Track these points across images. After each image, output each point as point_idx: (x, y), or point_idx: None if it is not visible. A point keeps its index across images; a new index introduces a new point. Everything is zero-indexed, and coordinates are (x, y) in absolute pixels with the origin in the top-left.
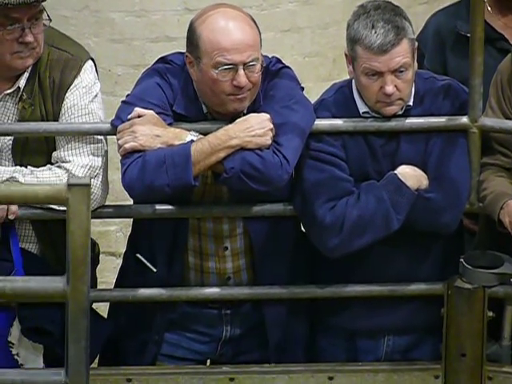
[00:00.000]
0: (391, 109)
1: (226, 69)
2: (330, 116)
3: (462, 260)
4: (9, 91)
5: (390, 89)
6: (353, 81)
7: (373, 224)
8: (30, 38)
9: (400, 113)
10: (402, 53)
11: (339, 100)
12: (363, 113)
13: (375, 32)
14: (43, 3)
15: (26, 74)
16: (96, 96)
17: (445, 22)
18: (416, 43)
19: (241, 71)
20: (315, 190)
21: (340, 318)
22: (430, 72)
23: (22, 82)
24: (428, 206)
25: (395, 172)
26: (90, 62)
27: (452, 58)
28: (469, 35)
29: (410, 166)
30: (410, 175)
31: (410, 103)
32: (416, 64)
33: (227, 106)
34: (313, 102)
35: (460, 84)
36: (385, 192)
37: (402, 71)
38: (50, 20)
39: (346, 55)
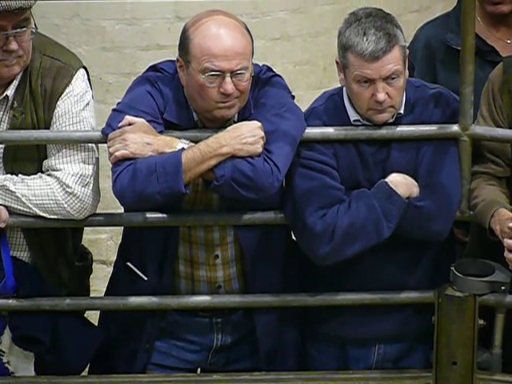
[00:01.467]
0: (382, 116)
1: (212, 75)
2: (321, 124)
3: (452, 268)
4: None
5: (381, 96)
6: (344, 89)
7: (364, 232)
8: (14, 46)
9: (391, 121)
10: (394, 60)
11: (330, 108)
12: (354, 121)
13: (367, 39)
14: (33, 11)
15: (16, 82)
16: (88, 104)
17: (434, 34)
18: (407, 51)
19: (228, 79)
20: (306, 198)
21: (331, 326)
22: (421, 80)
23: (10, 91)
24: (419, 214)
25: (386, 180)
26: (81, 71)
27: (442, 71)
28: (459, 48)
29: (400, 174)
30: (401, 183)
31: (401, 111)
32: (407, 71)
33: (214, 113)
34: (304, 110)
35: (451, 92)
36: (375, 200)
37: (393, 78)
38: (37, 28)
39: (337, 63)
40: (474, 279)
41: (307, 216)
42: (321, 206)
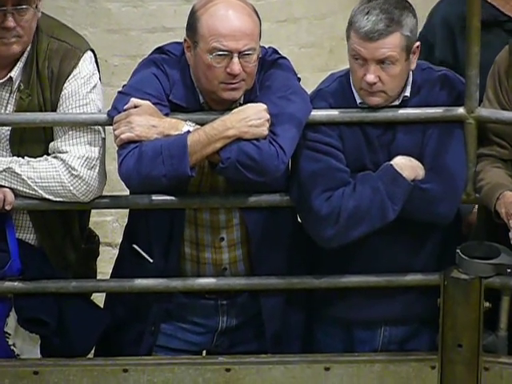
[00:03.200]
0: (373, 99)
1: (220, 55)
2: (327, 106)
3: (458, 251)
4: (0, 81)
5: (371, 77)
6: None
7: (369, 214)
8: (11, 23)
9: (397, 103)
10: (390, 46)
11: (337, 90)
12: (360, 103)
13: (367, 18)
14: None
15: (20, 64)
16: (95, 86)
17: (451, 10)
18: (418, 43)
19: (235, 59)
20: (312, 181)
21: (337, 308)
22: (426, 62)
23: (14, 72)
24: (424, 197)
25: (391, 163)
26: (89, 53)
27: (462, 45)
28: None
29: (406, 157)
30: (406, 166)
31: (407, 94)
32: (413, 62)
33: (220, 94)
34: (309, 92)
35: (456, 74)
36: (381, 182)
37: (387, 64)
38: (39, 11)
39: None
40: (480, 262)
41: (313, 198)
42: (326, 189)
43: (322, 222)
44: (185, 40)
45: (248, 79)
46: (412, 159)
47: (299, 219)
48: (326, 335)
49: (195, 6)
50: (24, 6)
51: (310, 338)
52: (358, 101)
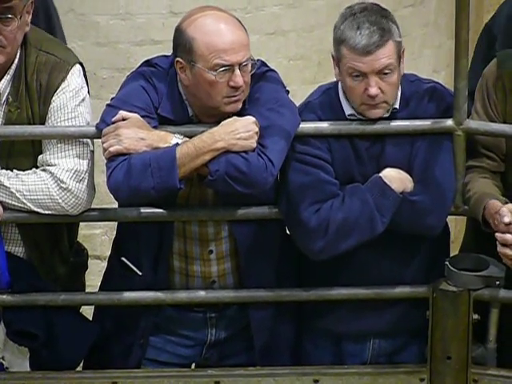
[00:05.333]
0: (376, 112)
1: (223, 70)
2: (316, 118)
3: (447, 263)
4: None
5: (373, 90)
6: (339, 83)
7: (358, 226)
8: None
9: (387, 115)
10: (387, 54)
11: (325, 102)
12: (349, 115)
13: (360, 33)
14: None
15: (8, 77)
16: (83, 100)
17: None
18: (403, 47)
19: (237, 71)
20: (300, 193)
21: (326, 320)
22: (415, 75)
23: (1, 85)
24: (413, 209)
25: (380, 175)
26: (77, 66)
27: None
28: None
29: (394, 169)
30: (395, 178)
31: (397, 106)
32: (402, 68)
33: (223, 109)
34: (298, 104)
35: (445, 87)
36: (369, 195)
37: (386, 73)
38: (27, 24)
39: (332, 57)
40: (469, 274)
41: (301, 211)
42: (315, 201)
43: (311, 235)
44: (177, 61)
45: (246, 90)
46: (401, 171)
47: (288, 232)
48: (316, 347)
49: (180, 24)
50: (9, 16)
51: (299, 350)
52: (347, 112)
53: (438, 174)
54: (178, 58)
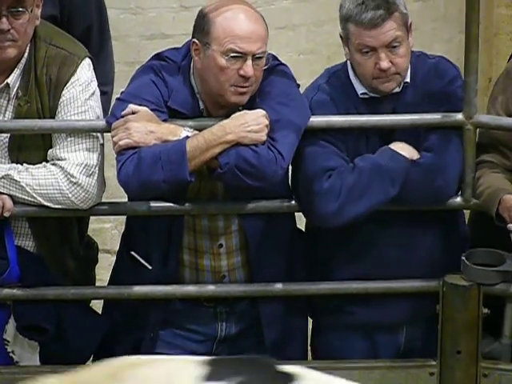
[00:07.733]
0: (389, 85)
1: (235, 56)
2: (329, 100)
3: (463, 258)
4: None
5: (384, 64)
6: (348, 64)
7: (370, 189)
8: (4, 26)
9: (398, 90)
10: (394, 26)
11: (335, 84)
12: (361, 94)
13: (365, 8)
14: None
15: (18, 71)
16: (93, 94)
17: None
18: (410, 19)
19: (249, 61)
20: (313, 161)
21: (357, 316)
22: (421, 51)
23: (11, 79)
24: (421, 170)
25: (388, 146)
26: (87, 60)
27: None
28: None
29: (402, 142)
30: (403, 147)
31: (408, 80)
32: (411, 40)
33: (228, 97)
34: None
35: (450, 60)
36: (380, 159)
37: (395, 46)
38: (37, 18)
39: (341, 37)
40: (486, 269)
41: (314, 176)
42: (327, 169)
43: (324, 198)
44: (193, 42)
45: (255, 84)
46: (408, 145)
47: (298, 225)
48: (346, 344)
49: (204, 9)
50: (20, 9)
51: (325, 348)
52: (359, 92)
53: (445, 145)
54: (194, 39)
